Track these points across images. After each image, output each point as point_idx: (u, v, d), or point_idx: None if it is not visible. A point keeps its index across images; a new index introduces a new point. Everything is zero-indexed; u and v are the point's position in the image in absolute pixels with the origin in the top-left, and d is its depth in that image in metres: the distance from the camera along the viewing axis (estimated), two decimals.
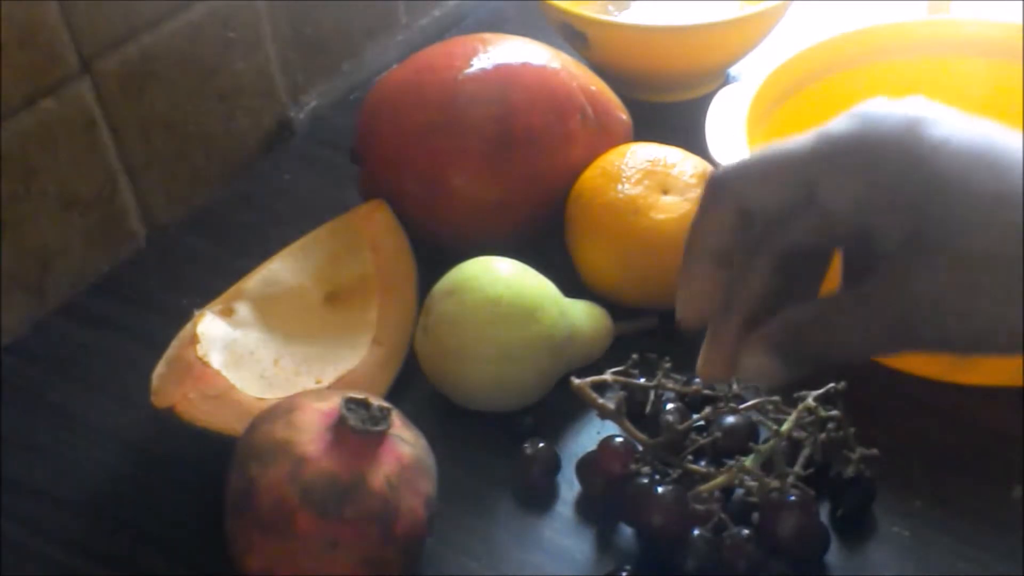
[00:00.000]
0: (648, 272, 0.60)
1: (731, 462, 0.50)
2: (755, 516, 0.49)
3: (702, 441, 0.52)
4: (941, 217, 0.37)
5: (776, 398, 0.53)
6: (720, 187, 0.42)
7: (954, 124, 0.38)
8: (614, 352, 0.60)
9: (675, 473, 0.51)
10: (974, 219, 0.37)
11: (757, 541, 0.48)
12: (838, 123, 0.40)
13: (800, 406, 0.52)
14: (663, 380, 0.55)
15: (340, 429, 0.48)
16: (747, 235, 0.42)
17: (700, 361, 0.45)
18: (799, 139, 0.41)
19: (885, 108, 0.39)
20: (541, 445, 0.55)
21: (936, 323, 0.38)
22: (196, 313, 0.59)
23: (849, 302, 0.41)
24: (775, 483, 0.49)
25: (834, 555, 0.51)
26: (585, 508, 0.54)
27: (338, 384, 0.57)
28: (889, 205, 0.38)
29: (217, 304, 0.61)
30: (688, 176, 0.61)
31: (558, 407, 0.58)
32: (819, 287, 0.45)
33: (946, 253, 0.37)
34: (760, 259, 0.42)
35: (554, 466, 0.55)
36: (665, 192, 0.60)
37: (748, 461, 0.50)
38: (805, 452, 0.51)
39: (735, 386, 0.54)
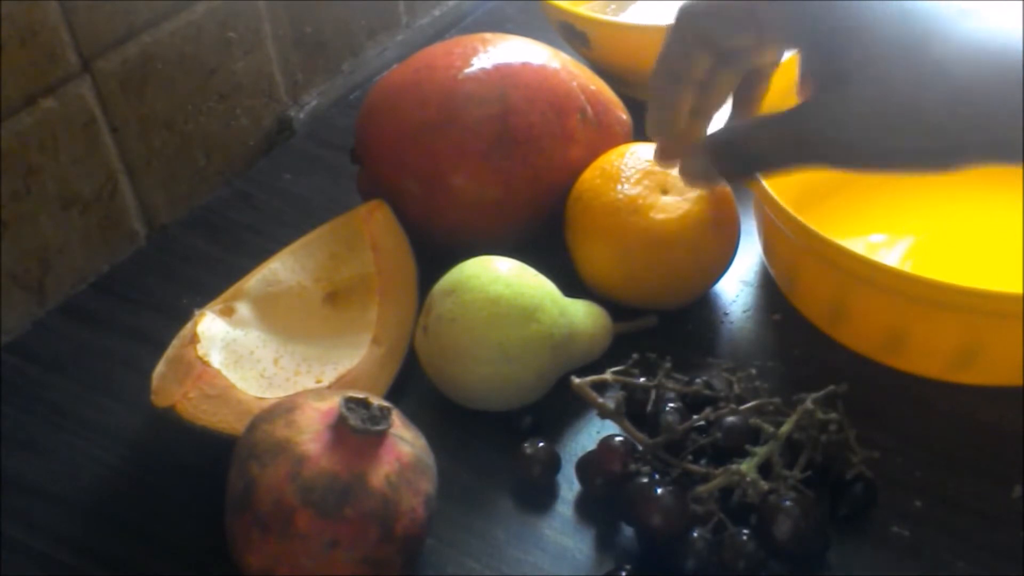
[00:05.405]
0: (648, 272, 0.60)
1: (731, 463, 0.50)
2: (753, 517, 0.49)
3: (702, 441, 0.52)
4: (848, 54, 0.45)
5: (776, 399, 0.53)
6: (689, 22, 0.51)
7: None
8: (614, 352, 0.60)
9: (675, 473, 0.51)
10: (875, 63, 0.44)
11: (757, 541, 0.48)
12: None
13: (800, 408, 0.52)
14: (663, 380, 0.55)
15: (340, 428, 0.48)
16: (712, 58, 0.52)
17: (654, 154, 0.59)
18: None
19: None
20: (541, 444, 0.55)
21: (834, 146, 0.46)
22: (196, 313, 0.59)
23: (771, 121, 0.50)
24: (772, 485, 0.49)
25: (834, 555, 0.51)
26: (585, 508, 0.54)
27: (338, 383, 0.57)
28: (810, 31, 0.46)
29: (217, 304, 0.61)
30: None
31: (558, 407, 0.58)
32: (757, 107, 0.56)
33: (848, 91, 0.45)
34: (724, 75, 0.54)
35: (554, 465, 0.55)
36: (665, 192, 0.60)
37: (746, 463, 0.49)
38: (805, 454, 0.51)
39: (735, 387, 0.54)
